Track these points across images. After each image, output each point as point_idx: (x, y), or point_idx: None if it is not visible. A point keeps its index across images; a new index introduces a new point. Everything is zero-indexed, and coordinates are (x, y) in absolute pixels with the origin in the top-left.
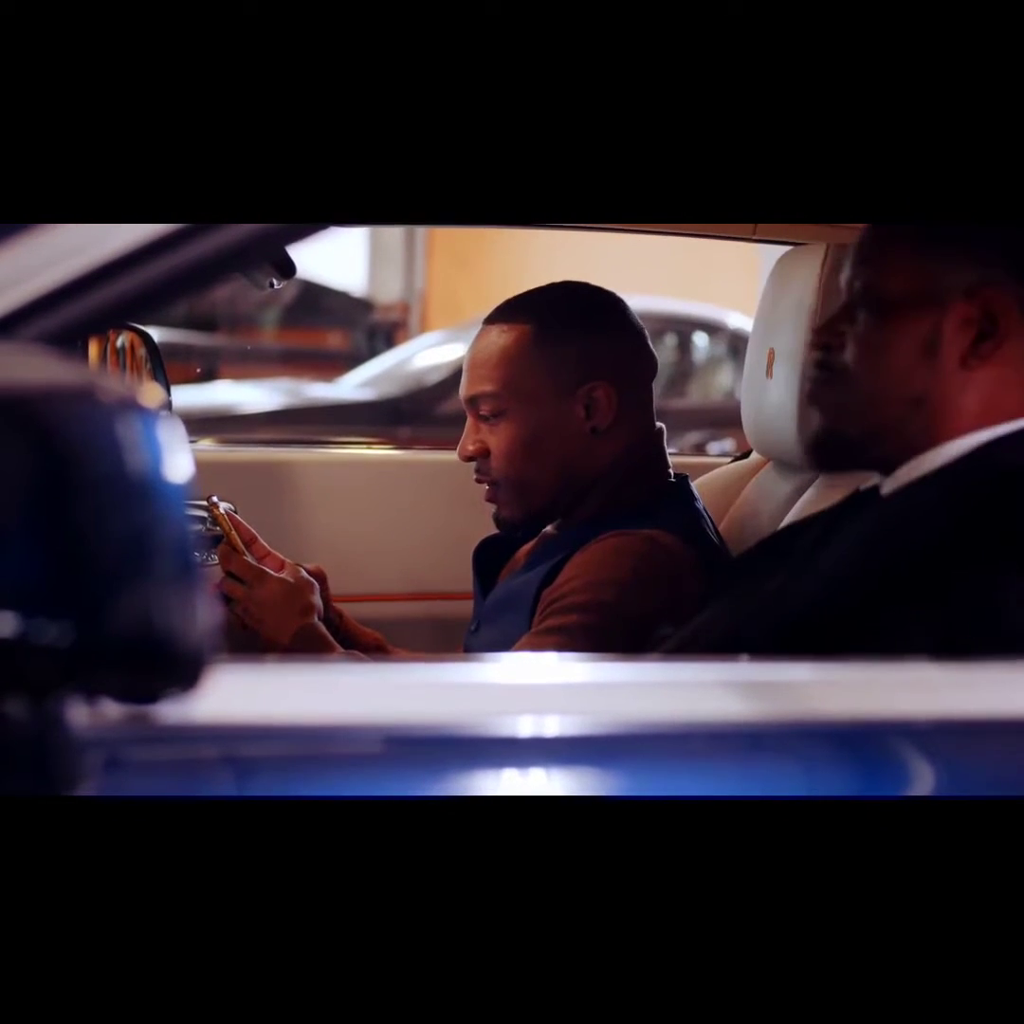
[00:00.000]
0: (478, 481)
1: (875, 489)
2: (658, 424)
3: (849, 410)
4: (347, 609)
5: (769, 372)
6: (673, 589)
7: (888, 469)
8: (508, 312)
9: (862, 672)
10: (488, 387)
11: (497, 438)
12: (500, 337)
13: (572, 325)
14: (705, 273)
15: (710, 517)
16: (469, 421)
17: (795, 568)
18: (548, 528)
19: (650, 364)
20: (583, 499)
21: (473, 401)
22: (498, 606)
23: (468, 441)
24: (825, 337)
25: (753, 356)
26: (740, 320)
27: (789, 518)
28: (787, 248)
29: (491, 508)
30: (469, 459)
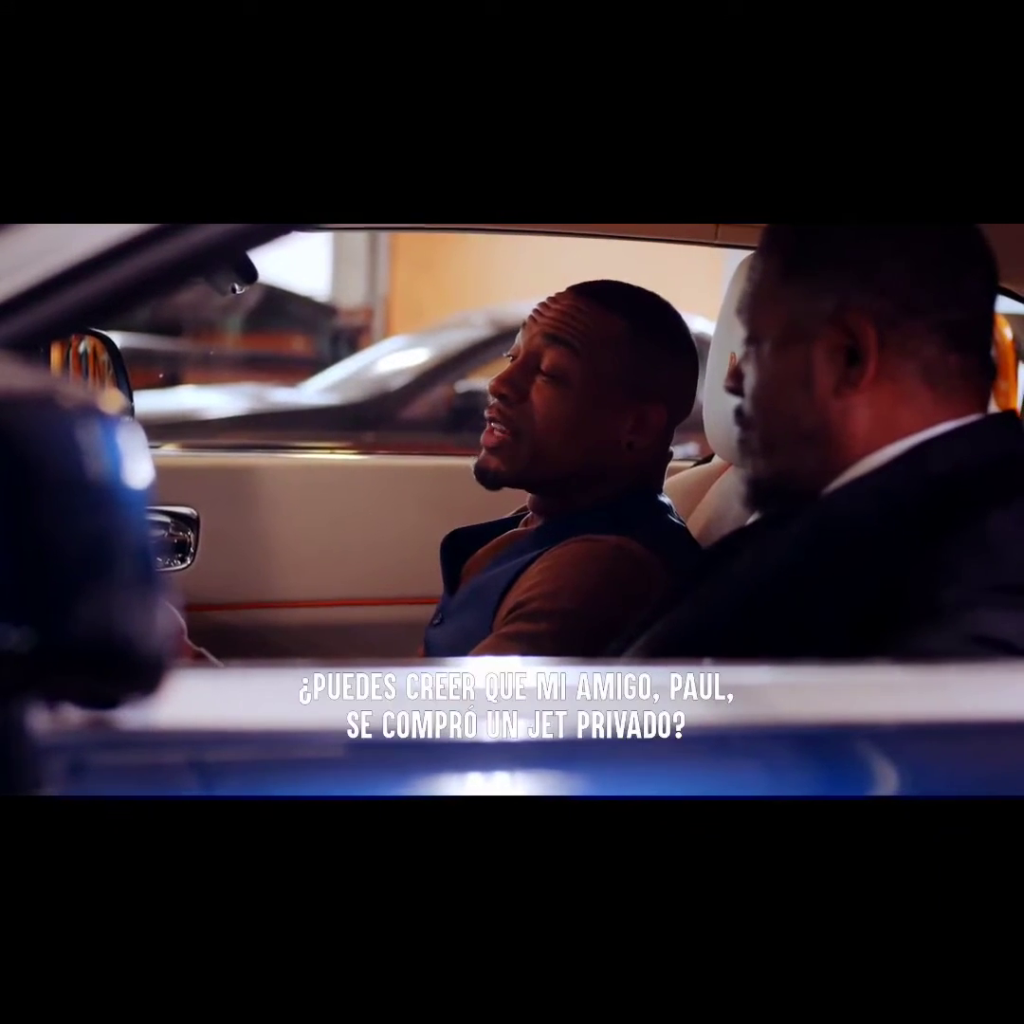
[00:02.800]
0: (491, 419)
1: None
2: (670, 449)
3: (755, 455)
4: (309, 615)
5: None
6: (639, 598)
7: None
8: (603, 295)
9: (825, 675)
10: (565, 350)
11: (546, 395)
12: (594, 314)
13: (658, 343)
14: (668, 278)
15: (686, 529)
16: (519, 364)
17: (719, 577)
18: (519, 527)
19: (693, 400)
20: (570, 493)
21: (537, 352)
22: (464, 602)
23: (511, 380)
24: (731, 383)
25: (715, 361)
26: (703, 325)
27: (751, 522)
28: (749, 252)
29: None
30: (500, 396)
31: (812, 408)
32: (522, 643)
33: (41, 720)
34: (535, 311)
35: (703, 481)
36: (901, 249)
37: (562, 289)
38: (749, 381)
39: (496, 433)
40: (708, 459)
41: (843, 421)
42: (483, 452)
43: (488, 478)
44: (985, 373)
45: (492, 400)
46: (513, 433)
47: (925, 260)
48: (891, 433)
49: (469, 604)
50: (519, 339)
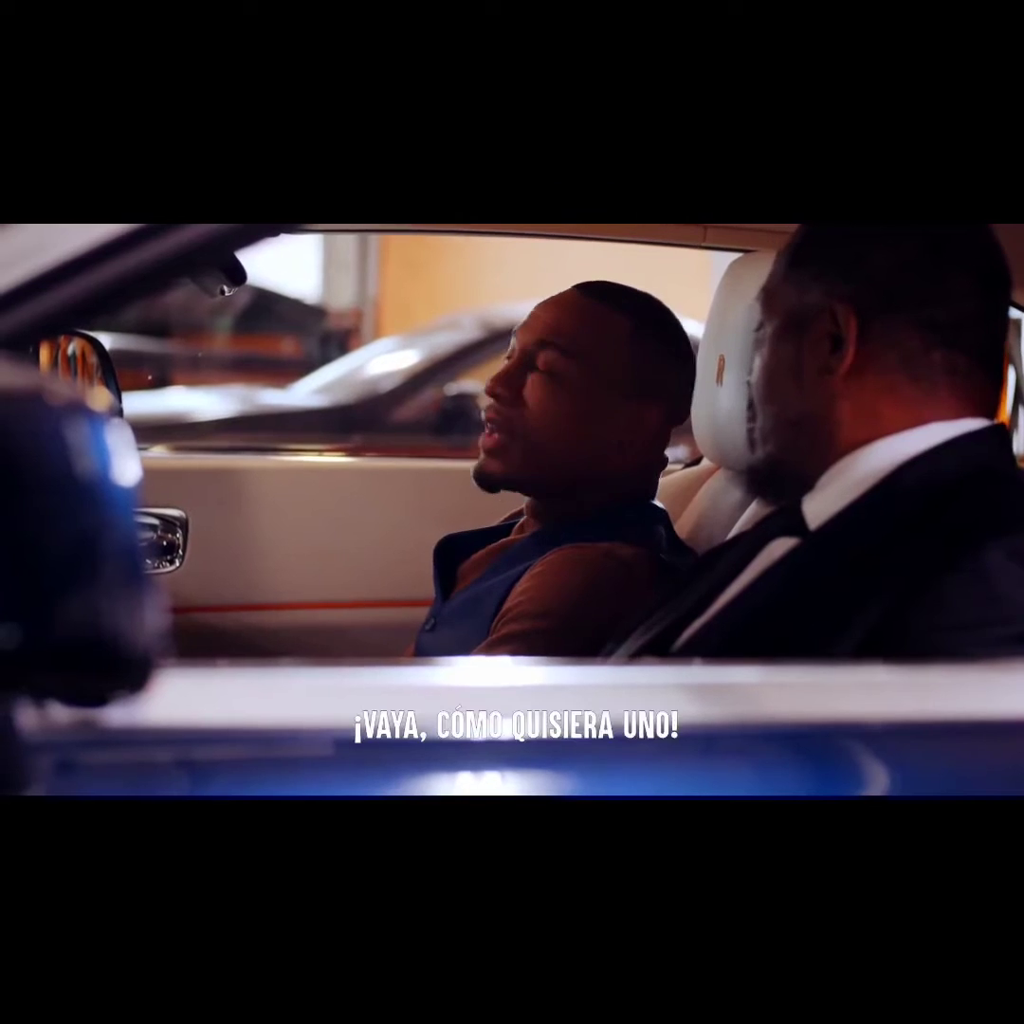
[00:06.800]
0: (488, 420)
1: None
2: (665, 455)
3: (756, 443)
4: (298, 617)
5: (719, 379)
6: (628, 601)
7: (805, 490)
8: (607, 294)
9: (812, 674)
10: (563, 346)
11: (540, 394)
12: (597, 312)
13: (661, 342)
14: (656, 279)
15: (674, 533)
16: (513, 363)
17: (723, 583)
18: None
19: (689, 404)
20: (565, 497)
21: (531, 351)
22: (459, 610)
23: (505, 379)
24: (746, 375)
25: (703, 363)
26: (692, 327)
27: (740, 524)
28: (737, 255)
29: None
30: (495, 396)
31: (800, 394)
32: (511, 645)
33: (29, 718)
34: (534, 311)
35: (692, 483)
36: (889, 244)
37: (551, 291)
38: (754, 371)
39: (493, 435)
40: (697, 461)
41: (829, 408)
42: (482, 456)
43: (485, 481)
44: (979, 375)
45: (488, 401)
46: (508, 434)
47: (912, 256)
48: (876, 425)
49: (465, 613)
50: (514, 340)
